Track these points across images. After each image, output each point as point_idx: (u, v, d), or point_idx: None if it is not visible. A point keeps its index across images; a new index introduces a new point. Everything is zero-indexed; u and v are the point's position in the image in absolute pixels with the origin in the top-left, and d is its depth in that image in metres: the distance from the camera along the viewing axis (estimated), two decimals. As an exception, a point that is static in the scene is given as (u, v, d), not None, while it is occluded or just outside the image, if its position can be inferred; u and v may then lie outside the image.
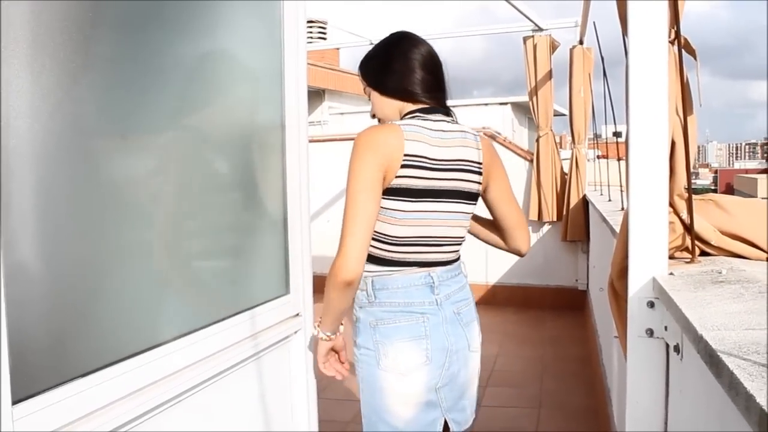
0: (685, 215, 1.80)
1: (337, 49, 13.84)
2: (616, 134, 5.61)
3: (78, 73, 1.29)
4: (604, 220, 3.81)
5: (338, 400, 4.37)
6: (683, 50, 1.74)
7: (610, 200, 5.33)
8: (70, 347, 1.29)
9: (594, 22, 5.42)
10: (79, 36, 1.28)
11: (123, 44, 1.41)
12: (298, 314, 2.06)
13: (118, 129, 1.42)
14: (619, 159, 5.26)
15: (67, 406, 1.21)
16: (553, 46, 6.66)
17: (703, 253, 1.88)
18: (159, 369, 1.46)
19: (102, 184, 1.37)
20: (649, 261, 1.60)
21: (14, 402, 1.09)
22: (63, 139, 1.26)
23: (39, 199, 1.22)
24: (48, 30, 1.21)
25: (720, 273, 1.62)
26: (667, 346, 1.55)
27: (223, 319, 1.72)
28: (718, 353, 0.97)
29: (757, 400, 0.77)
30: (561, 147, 9.23)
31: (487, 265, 7.21)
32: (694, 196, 1.79)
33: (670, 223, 1.71)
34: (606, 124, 6.08)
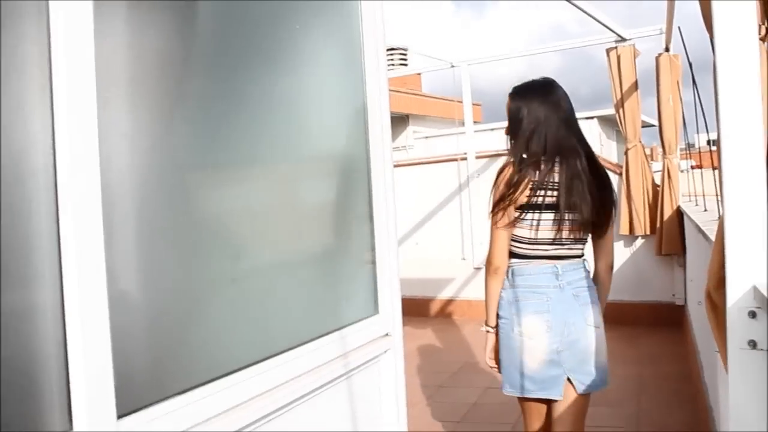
0: (786, 220, 1.72)
1: (419, 74, 13.94)
2: (711, 143, 5.42)
3: (173, 108, 1.35)
4: (701, 230, 3.67)
5: (430, 421, 4.35)
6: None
7: (706, 210, 5.13)
8: (169, 366, 1.33)
9: (679, 27, 5.27)
10: (173, 72, 1.34)
11: (215, 80, 1.47)
12: (387, 334, 2.07)
13: (211, 162, 1.48)
14: (714, 168, 5.07)
15: (166, 422, 1.25)
16: (636, 56, 6.51)
17: (808, 259, 1.78)
18: (252, 388, 1.49)
19: (196, 215, 1.42)
20: (748, 268, 1.53)
21: (119, 416, 1.14)
22: (160, 174, 1.32)
23: (139, 230, 1.27)
24: (144, 68, 1.27)
25: (827, 279, 1.53)
26: (772, 357, 1.48)
27: (314, 339, 1.74)
28: (826, 360, 0.91)
29: None
30: (652, 159, 8.98)
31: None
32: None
33: (770, 228, 1.64)
34: (698, 132, 5.88)
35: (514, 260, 2.57)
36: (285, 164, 1.75)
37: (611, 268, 2.73)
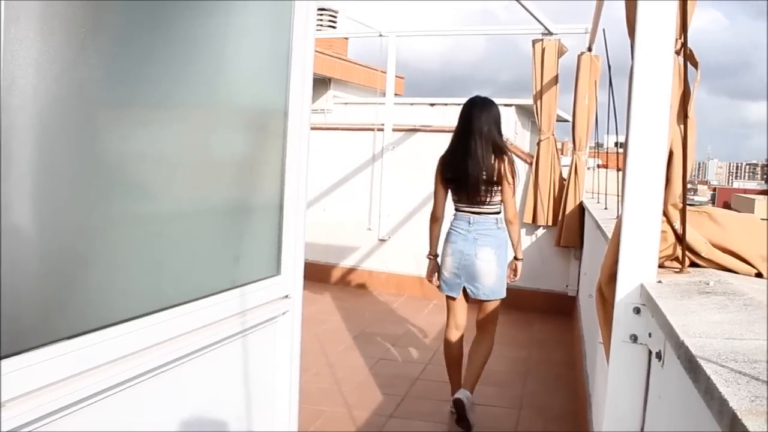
0: (677, 225, 1.81)
1: (346, 38, 13.81)
2: (618, 144, 5.62)
3: (87, 39, 1.29)
4: (599, 226, 3.83)
5: (323, 388, 4.40)
6: (688, 62, 1.75)
7: (606, 208, 5.34)
8: (59, 310, 1.30)
9: (604, 30, 5.42)
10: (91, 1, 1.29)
11: (133, 15, 1.41)
12: (287, 296, 2.07)
13: (122, 99, 1.43)
14: (618, 170, 5.26)
15: (52, 366, 1.22)
16: (561, 51, 6.65)
17: (693, 264, 1.89)
18: (145, 338, 1.47)
19: (100, 153, 1.37)
20: (639, 267, 1.61)
21: (2, 357, 1.10)
22: (66, 105, 1.27)
23: (38, 162, 1.22)
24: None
25: (707, 284, 1.63)
26: (650, 352, 1.57)
27: (212, 294, 1.73)
28: (697, 359, 0.98)
29: (730, 405, 0.79)
30: (562, 153, 9.24)
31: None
32: (688, 208, 1.80)
33: (663, 231, 1.72)
34: (608, 133, 6.09)
35: (454, 212, 3.98)
36: (199, 110, 1.70)
37: (513, 218, 3.92)
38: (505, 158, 3.81)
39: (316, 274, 7.61)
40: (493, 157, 3.79)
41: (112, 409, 1.39)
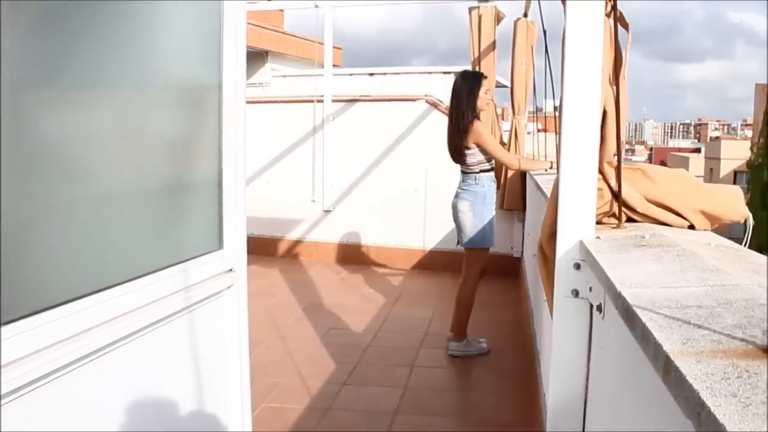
0: (613, 182, 1.86)
1: (282, 11, 13.60)
2: (556, 108, 5.70)
3: (10, 16, 1.25)
4: (539, 188, 3.90)
5: (276, 360, 4.40)
6: (618, 24, 1.78)
7: (546, 170, 5.43)
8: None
9: (538, -5, 5.46)
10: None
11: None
12: (231, 270, 2.06)
13: (52, 79, 1.39)
14: (557, 133, 5.35)
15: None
16: (498, 18, 6.68)
17: (630, 220, 1.95)
18: (88, 318, 1.45)
19: (31, 134, 1.34)
20: (577, 225, 1.66)
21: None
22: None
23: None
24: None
25: (643, 238, 1.68)
26: (591, 306, 1.62)
27: (154, 272, 1.71)
28: (634, 308, 1.02)
29: (664, 348, 0.82)
30: (503, 118, 9.33)
31: (425, 231, 7.30)
32: (623, 165, 1.85)
33: (599, 189, 1.77)
34: (546, 98, 6.17)
35: None
36: (131, 88, 1.66)
37: (510, 166, 5.04)
38: (469, 127, 4.35)
39: (263, 248, 7.58)
40: (463, 125, 4.37)
41: (56, 394, 1.37)
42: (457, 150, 4.44)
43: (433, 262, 7.23)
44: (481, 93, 4.44)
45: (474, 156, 4.40)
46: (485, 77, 4.61)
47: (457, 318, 4.60)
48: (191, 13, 1.90)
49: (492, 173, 4.50)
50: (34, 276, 1.36)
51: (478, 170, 4.43)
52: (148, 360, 1.71)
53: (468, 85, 4.45)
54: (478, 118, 4.45)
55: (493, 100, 6.81)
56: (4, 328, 1.23)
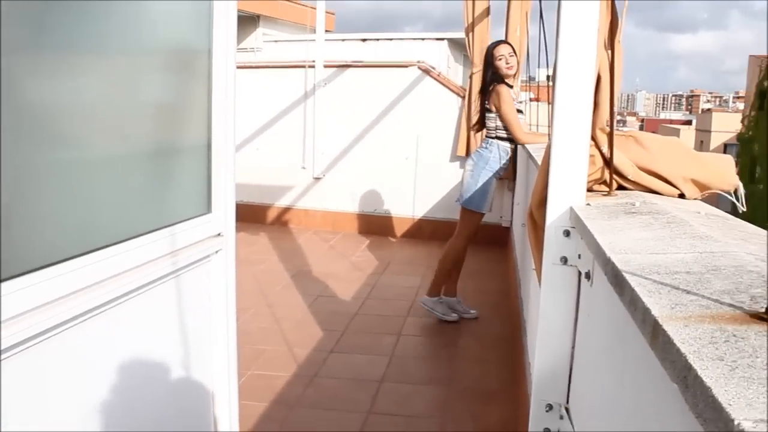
0: (605, 149, 1.85)
1: (274, -27, 13.41)
2: (549, 78, 5.66)
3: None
4: (530, 156, 3.88)
5: (263, 327, 4.41)
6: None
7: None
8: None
9: (533, -40, 5.39)
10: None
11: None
12: (219, 234, 2.04)
13: (38, 43, 1.36)
14: (550, 103, 5.32)
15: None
16: (492, -17, 6.61)
17: (621, 187, 1.93)
18: (74, 280, 1.43)
19: (21, 98, 1.31)
20: (568, 191, 1.64)
21: None
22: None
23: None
24: None
25: (634, 205, 1.67)
26: (579, 273, 1.61)
27: (142, 235, 1.69)
28: (623, 273, 1.01)
29: (652, 312, 0.81)
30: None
31: (414, 199, 7.29)
32: (615, 132, 1.83)
33: (591, 156, 1.75)
34: (539, 67, 6.13)
35: None
36: (120, 53, 1.64)
37: (520, 140, 4.49)
38: (492, 92, 4.48)
39: (252, 215, 7.55)
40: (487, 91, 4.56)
41: (42, 357, 1.36)
42: (486, 111, 4.59)
43: (422, 231, 7.23)
44: (499, 62, 4.49)
45: (493, 120, 4.52)
46: (500, 43, 4.67)
47: (433, 282, 4.71)
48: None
49: (508, 144, 4.52)
50: (21, 237, 1.34)
51: (494, 135, 4.53)
52: (135, 324, 1.70)
53: (486, 55, 4.63)
54: (505, 83, 4.51)
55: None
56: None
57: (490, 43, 5.20)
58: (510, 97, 4.46)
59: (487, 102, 4.56)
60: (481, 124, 4.69)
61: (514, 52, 4.62)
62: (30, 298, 1.31)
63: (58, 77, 1.44)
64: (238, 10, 2.08)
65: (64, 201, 1.46)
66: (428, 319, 4.62)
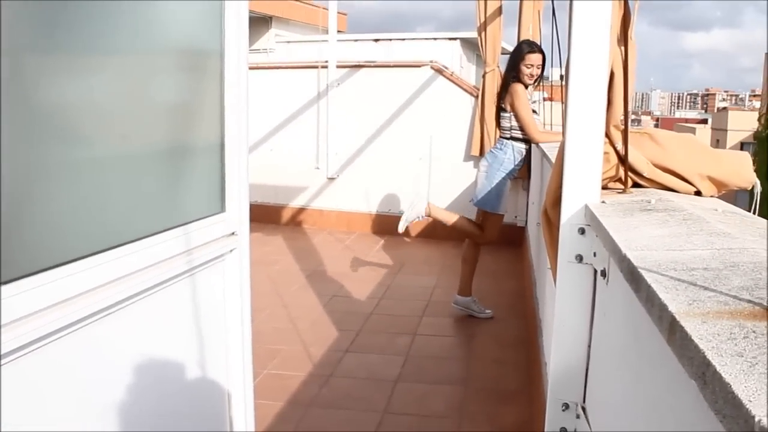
0: (620, 146, 1.83)
1: (286, -25, 13.45)
2: (563, 77, 5.64)
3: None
4: (545, 155, 3.86)
5: (278, 327, 4.41)
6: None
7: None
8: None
9: (546, -42, 5.37)
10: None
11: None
12: (233, 233, 2.04)
13: (53, 44, 1.37)
14: (563, 102, 5.30)
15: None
16: (504, -18, 6.59)
17: (636, 185, 1.92)
18: (88, 280, 1.44)
19: (36, 98, 1.32)
20: (583, 189, 1.63)
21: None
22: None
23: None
24: None
25: (649, 202, 1.66)
26: (595, 271, 1.59)
27: (156, 233, 1.69)
28: (639, 270, 1.00)
29: (669, 308, 0.80)
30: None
31: (428, 200, 7.27)
32: (630, 129, 1.82)
33: (605, 153, 1.74)
34: (552, 66, 6.11)
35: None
36: (133, 52, 1.64)
37: (534, 139, 4.49)
38: (509, 92, 4.51)
39: (267, 216, 7.57)
40: (503, 85, 4.68)
41: (55, 356, 1.36)
42: (497, 109, 4.72)
43: (436, 231, 7.21)
44: (525, 68, 4.49)
45: (508, 120, 4.54)
46: (532, 51, 4.56)
47: (461, 274, 4.75)
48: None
49: (522, 145, 4.56)
50: (36, 236, 1.35)
51: (509, 136, 4.57)
52: (150, 323, 1.70)
53: (514, 54, 4.62)
54: (521, 83, 4.51)
55: (498, 66, 6.72)
56: (5, 287, 1.22)
57: (523, 40, 5.26)
58: (525, 95, 4.45)
59: (502, 101, 4.58)
60: (497, 123, 4.72)
61: (544, 62, 4.63)
62: (44, 297, 1.31)
63: (71, 77, 1.45)
64: (250, 11, 2.08)
65: (78, 200, 1.46)
66: (444, 319, 4.61)
